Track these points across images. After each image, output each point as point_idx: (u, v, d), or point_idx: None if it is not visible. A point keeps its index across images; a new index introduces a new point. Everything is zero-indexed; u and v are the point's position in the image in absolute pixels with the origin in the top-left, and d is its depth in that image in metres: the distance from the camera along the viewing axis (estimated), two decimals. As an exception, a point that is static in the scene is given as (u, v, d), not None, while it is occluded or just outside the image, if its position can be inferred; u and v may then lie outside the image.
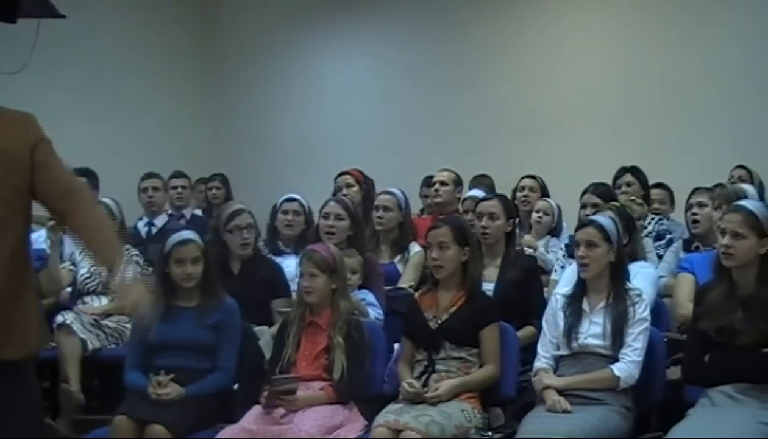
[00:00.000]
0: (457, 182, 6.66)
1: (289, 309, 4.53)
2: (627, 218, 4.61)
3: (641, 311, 3.91)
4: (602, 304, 3.96)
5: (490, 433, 3.98)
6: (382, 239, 5.58)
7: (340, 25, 9.26)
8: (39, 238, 5.61)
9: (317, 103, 9.42)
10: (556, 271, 5.17)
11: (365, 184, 6.53)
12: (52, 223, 5.73)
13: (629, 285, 4.05)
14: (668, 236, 5.62)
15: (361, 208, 5.67)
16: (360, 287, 4.74)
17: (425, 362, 4.08)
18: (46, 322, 3.03)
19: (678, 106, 7.43)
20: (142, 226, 6.88)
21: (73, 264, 5.78)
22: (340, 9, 9.21)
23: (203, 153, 9.55)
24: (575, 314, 3.97)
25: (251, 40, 9.84)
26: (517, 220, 5.15)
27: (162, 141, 9.16)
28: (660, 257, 5.28)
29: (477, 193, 6.08)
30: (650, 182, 6.12)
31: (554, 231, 5.85)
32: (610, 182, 5.89)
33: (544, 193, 6.33)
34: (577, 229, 4.16)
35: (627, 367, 3.83)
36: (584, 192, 5.49)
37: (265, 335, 4.60)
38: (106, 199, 5.95)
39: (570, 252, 4.80)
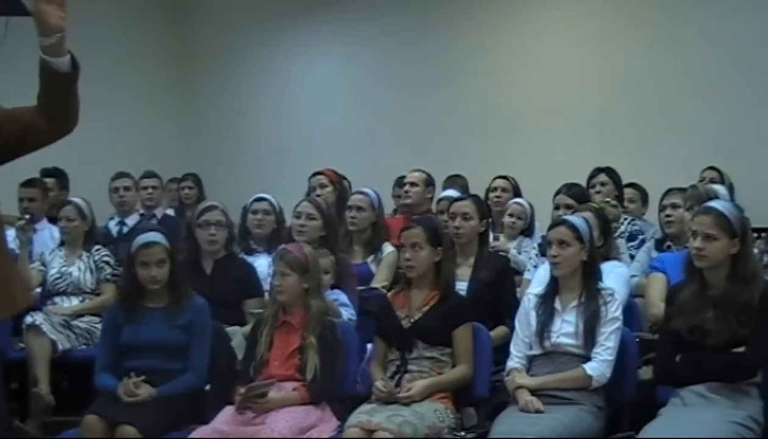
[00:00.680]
0: (428, 183, 6.67)
1: (260, 310, 4.51)
2: (603, 220, 4.64)
3: (613, 311, 3.92)
4: (574, 303, 3.97)
5: (462, 433, 3.98)
6: (355, 239, 5.58)
7: (314, 25, 9.24)
8: (8, 237, 5.54)
9: (291, 103, 9.41)
10: (528, 270, 5.18)
11: (339, 184, 6.52)
12: (21, 223, 5.70)
13: (601, 284, 4.06)
14: (641, 237, 5.65)
15: (335, 209, 5.66)
16: (333, 287, 4.73)
17: (398, 362, 4.08)
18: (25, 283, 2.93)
19: (651, 107, 7.47)
20: (113, 225, 6.86)
21: (43, 264, 5.73)
22: (313, 9, 9.20)
23: (175, 153, 9.50)
24: (548, 314, 3.98)
25: (224, 39, 9.81)
26: (490, 220, 5.16)
27: (133, 141, 9.10)
28: (632, 257, 5.31)
29: (451, 193, 6.08)
30: (624, 182, 6.14)
31: (527, 231, 5.86)
32: (584, 182, 5.91)
33: (517, 193, 6.34)
34: (550, 228, 4.17)
35: (599, 366, 3.84)
36: (557, 193, 5.51)
37: (237, 335, 4.58)
38: (77, 199, 5.91)
39: (543, 252, 4.81)
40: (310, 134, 9.18)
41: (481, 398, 4.13)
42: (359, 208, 5.56)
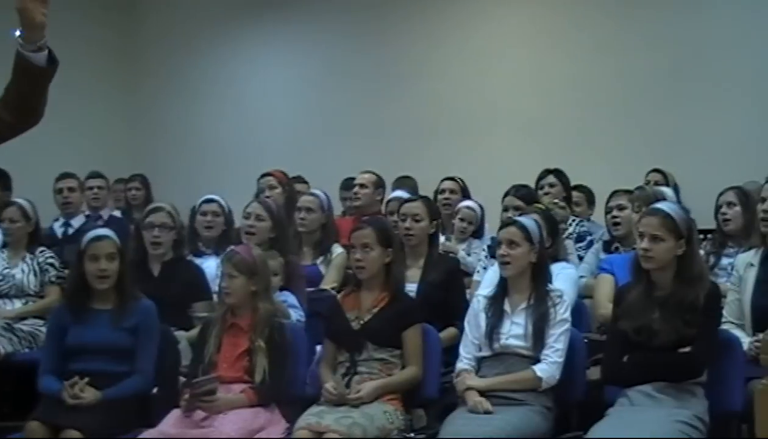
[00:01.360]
0: (378, 184, 6.66)
1: (206, 314, 4.47)
2: (551, 221, 4.66)
3: (562, 313, 3.94)
4: (524, 305, 3.98)
5: (412, 434, 3.98)
6: (304, 241, 5.55)
7: (263, 25, 9.21)
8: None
9: (240, 103, 9.36)
10: (478, 272, 5.20)
11: (289, 185, 6.49)
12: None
13: (550, 286, 4.08)
14: (589, 238, 5.70)
15: (285, 210, 5.63)
16: (282, 289, 4.70)
17: (347, 364, 4.07)
18: None
19: (597, 110, 7.56)
20: (58, 227, 6.74)
21: (-15, 267, 5.62)
22: (262, 9, 9.16)
23: (122, 153, 9.39)
24: (497, 315, 3.99)
25: (172, 37, 9.73)
26: (440, 221, 5.17)
27: (78, 141, 8.97)
28: (581, 258, 5.35)
29: (401, 194, 6.07)
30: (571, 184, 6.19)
31: (477, 233, 5.87)
32: (533, 184, 5.95)
33: (465, 194, 6.35)
34: (500, 229, 4.18)
35: (549, 368, 3.86)
36: (506, 194, 5.53)
37: (182, 340, 4.53)
38: (20, 200, 5.81)
39: (492, 253, 4.83)
40: (259, 135, 9.14)
41: (430, 400, 4.13)
42: (309, 210, 5.53)
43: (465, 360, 4.02)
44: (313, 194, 5.66)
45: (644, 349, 3.66)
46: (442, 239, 5.79)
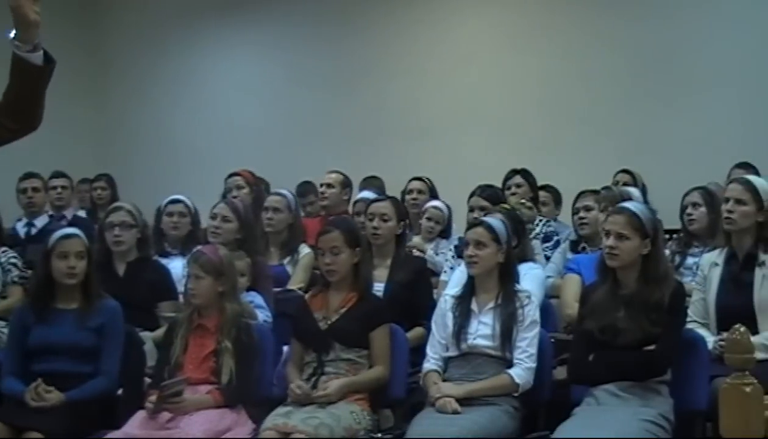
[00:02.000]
0: (345, 184, 6.65)
1: (173, 314, 4.43)
2: (516, 221, 4.66)
3: (532, 314, 3.94)
4: (491, 304, 3.98)
5: (379, 435, 3.97)
6: (271, 241, 5.52)
7: (228, 26, 9.17)
8: None
9: (206, 102, 9.31)
10: (445, 272, 5.20)
11: (256, 185, 6.46)
12: None
13: (518, 286, 4.09)
14: (555, 238, 5.71)
15: (252, 210, 5.60)
16: (248, 289, 4.68)
17: (314, 364, 4.05)
18: None
19: (564, 110, 7.58)
20: (21, 227, 6.67)
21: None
22: (227, 9, 9.12)
23: (87, 153, 9.30)
24: (464, 315, 3.99)
25: (137, 36, 9.66)
26: (407, 221, 5.16)
27: (42, 140, 8.76)
28: (548, 258, 5.37)
29: (368, 194, 6.06)
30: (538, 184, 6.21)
31: (444, 233, 5.87)
32: (499, 184, 5.96)
33: (433, 194, 6.35)
34: (467, 230, 4.19)
35: (525, 373, 3.85)
36: (472, 195, 5.53)
37: (148, 341, 4.50)
38: (-18, 200, 5.74)
39: (459, 253, 4.82)
40: (225, 135, 9.09)
41: (397, 400, 4.12)
42: (276, 210, 5.50)
43: (432, 360, 4.02)
44: (280, 194, 5.63)
45: (609, 348, 3.69)
46: (416, 239, 5.81)
